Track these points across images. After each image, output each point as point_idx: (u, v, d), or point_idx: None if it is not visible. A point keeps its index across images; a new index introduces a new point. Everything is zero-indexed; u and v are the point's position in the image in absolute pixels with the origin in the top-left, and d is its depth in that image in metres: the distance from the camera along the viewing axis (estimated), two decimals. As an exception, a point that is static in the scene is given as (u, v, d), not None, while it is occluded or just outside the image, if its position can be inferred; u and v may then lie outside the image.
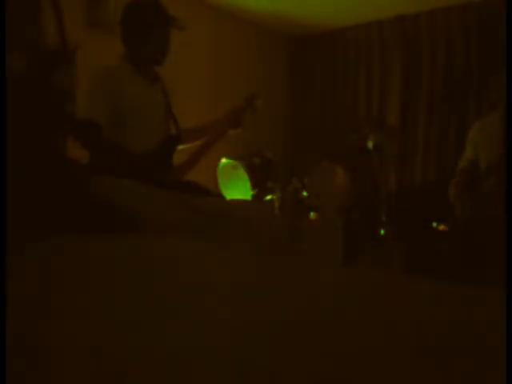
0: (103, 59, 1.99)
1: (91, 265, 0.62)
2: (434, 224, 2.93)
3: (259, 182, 2.89)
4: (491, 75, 2.86)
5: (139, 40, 1.94)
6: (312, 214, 3.28)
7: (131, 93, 1.90)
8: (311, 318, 0.45)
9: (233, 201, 2.31)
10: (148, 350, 0.37)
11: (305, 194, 3.28)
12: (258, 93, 2.27)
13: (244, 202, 2.67)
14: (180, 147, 2.13)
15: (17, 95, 0.80)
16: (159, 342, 0.39)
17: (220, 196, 2.42)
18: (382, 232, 3.20)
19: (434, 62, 3.74)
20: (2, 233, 0.64)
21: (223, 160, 2.96)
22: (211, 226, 1.02)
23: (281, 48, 4.49)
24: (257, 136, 3.87)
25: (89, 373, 0.34)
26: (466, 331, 0.43)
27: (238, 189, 2.94)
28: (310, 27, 4.26)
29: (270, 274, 0.64)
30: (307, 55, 4.48)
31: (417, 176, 3.83)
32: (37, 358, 0.36)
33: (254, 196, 2.87)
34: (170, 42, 2.02)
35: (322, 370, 0.35)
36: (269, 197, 2.98)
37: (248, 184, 2.86)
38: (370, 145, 3.37)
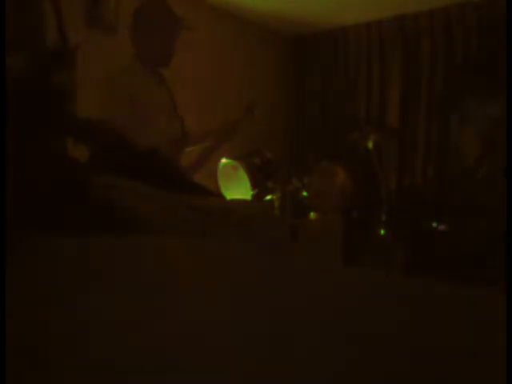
0: (103, 59, 1.99)
1: (91, 265, 0.62)
2: (434, 224, 2.93)
3: (259, 182, 2.89)
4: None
5: (149, 43, 1.98)
6: (312, 214, 3.28)
7: (142, 93, 1.93)
8: (311, 318, 0.45)
9: (233, 201, 2.31)
10: (148, 349, 0.37)
11: (305, 194, 3.28)
12: (255, 101, 2.29)
13: (244, 201, 2.67)
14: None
15: (17, 95, 0.80)
16: (159, 342, 0.39)
17: (220, 196, 2.42)
18: (382, 232, 3.20)
19: (434, 62, 3.74)
20: (2, 233, 0.64)
21: (223, 160, 2.95)
22: (211, 225, 1.02)
23: (281, 48, 4.48)
24: (257, 136, 3.87)
25: (89, 373, 0.34)
26: (465, 331, 0.43)
27: (238, 189, 2.94)
28: (310, 26, 4.26)
29: (270, 273, 0.64)
30: (307, 55, 4.47)
31: (417, 176, 3.83)
32: (37, 358, 0.36)
33: (253, 196, 2.87)
34: (176, 44, 2.05)
35: (323, 370, 0.35)
36: (269, 197, 2.98)
37: (248, 184, 2.86)
38: (370, 145, 3.37)
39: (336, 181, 3.41)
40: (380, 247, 3.15)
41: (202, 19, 3.62)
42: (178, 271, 0.61)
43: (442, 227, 2.87)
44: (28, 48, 0.92)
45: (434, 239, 2.86)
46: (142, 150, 1.83)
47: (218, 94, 3.77)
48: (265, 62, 4.27)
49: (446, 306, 0.51)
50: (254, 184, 2.86)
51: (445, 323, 0.45)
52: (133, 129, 1.86)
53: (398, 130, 3.84)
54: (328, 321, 0.44)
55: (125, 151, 1.75)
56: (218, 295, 0.51)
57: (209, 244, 0.89)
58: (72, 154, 1.00)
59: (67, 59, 0.95)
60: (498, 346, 0.38)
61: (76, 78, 0.98)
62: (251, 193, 2.86)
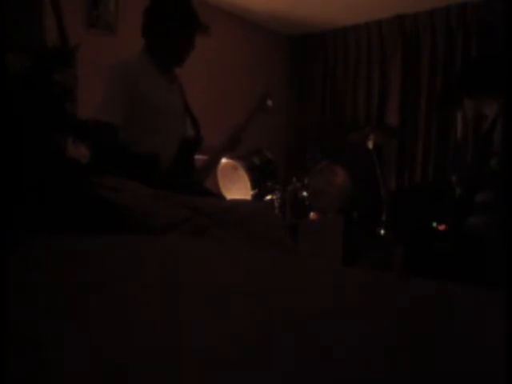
0: (103, 59, 1.98)
1: (91, 265, 0.62)
2: (434, 224, 2.93)
3: (259, 182, 2.89)
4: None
5: (167, 40, 1.86)
6: (312, 214, 3.28)
7: (151, 92, 1.81)
8: (311, 318, 0.45)
9: (233, 201, 2.31)
10: (148, 349, 0.37)
11: (305, 193, 3.28)
12: (269, 93, 2.21)
13: (244, 201, 2.67)
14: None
15: (17, 95, 0.80)
16: (159, 341, 0.39)
17: (220, 196, 2.42)
18: (382, 232, 3.20)
19: (434, 62, 3.74)
20: (2, 233, 0.64)
21: (223, 160, 2.95)
22: (211, 225, 1.02)
23: (281, 48, 4.49)
24: (257, 136, 3.87)
25: (89, 373, 0.34)
26: (466, 331, 0.43)
27: (238, 189, 2.94)
28: (310, 26, 4.26)
29: (270, 273, 0.64)
30: (307, 55, 4.48)
31: (417, 176, 3.83)
32: (37, 357, 0.36)
33: (253, 196, 2.87)
34: (193, 45, 1.95)
35: (323, 370, 0.35)
36: (269, 197, 2.98)
37: (248, 184, 2.86)
38: (370, 145, 3.37)
39: (336, 181, 3.41)
40: (380, 247, 3.15)
41: (201, 19, 3.62)
42: (177, 271, 0.61)
43: (441, 227, 2.87)
44: (28, 48, 0.92)
45: (434, 239, 2.86)
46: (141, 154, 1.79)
47: (217, 94, 3.77)
48: (265, 62, 4.27)
49: (446, 305, 0.51)
50: (254, 184, 2.86)
51: (445, 322, 0.45)
52: (138, 130, 1.75)
53: (398, 130, 3.84)
54: (328, 320, 0.44)
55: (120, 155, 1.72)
56: (218, 295, 0.51)
57: (209, 244, 0.89)
58: (72, 154, 1.00)
59: (67, 59, 0.95)
60: (498, 345, 0.38)
61: (76, 77, 0.98)
62: (251, 193, 2.87)
